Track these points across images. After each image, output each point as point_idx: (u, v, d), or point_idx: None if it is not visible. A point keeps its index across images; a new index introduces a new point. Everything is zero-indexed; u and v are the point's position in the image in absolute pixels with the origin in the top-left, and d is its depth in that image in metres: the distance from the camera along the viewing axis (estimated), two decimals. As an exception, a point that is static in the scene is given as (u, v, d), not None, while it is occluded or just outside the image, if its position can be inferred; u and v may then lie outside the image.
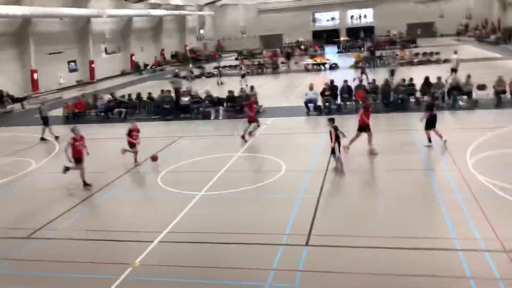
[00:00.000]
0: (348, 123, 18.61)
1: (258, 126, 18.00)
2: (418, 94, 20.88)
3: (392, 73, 26.98)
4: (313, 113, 21.05)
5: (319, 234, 9.22)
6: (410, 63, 35.52)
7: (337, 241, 8.84)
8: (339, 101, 21.54)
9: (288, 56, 43.46)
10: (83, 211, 11.61)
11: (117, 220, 11.01)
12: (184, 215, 10.67)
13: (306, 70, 38.10)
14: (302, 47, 55.38)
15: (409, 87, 21.07)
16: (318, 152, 14.89)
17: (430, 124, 14.42)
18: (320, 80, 27.97)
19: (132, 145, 14.76)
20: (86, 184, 12.95)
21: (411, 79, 21.82)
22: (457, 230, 8.82)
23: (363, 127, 14.22)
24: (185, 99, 23.17)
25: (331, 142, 12.61)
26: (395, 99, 20.46)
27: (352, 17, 67.08)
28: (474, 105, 19.60)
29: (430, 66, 33.08)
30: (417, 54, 37.60)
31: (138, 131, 14.89)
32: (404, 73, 27.47)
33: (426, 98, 19.00)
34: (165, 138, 18.45)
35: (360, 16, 66.72)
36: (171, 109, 22.75)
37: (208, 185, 12.48)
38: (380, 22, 63.14)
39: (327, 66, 38.15)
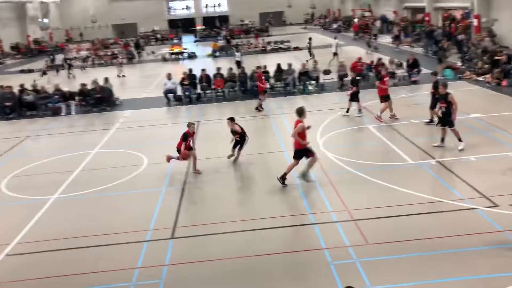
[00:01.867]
0: (208, 112, 18.90)
1: None
2: (272, 81, 21.91)
3: (238, 64, 27.61)
4: (174, 103, 20.78)
5: (184, 225, 9.15)
6: (264, 51, 37.08)
7: (202, 230, 8.86)
8: (199, 90, 21.57)
9: (138, 45, 41.79)
10: None
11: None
12: (36, 222, 9.72)
13: (164, 59, 37.40)
14: (158, 36, 54.19)
15: (264, 74, 21.95)
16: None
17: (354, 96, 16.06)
18: (178, 70, 27.77)
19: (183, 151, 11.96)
20: None
21: (264, 66, 22.78)
22: (312, 206, 9.48)
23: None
24: (27, 97, 20.82)
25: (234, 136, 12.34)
26: (251, 86, 21.17)
27: (206, 6, 67.49)
28: (321, 89, 21.25)
29: (283, 54, 34.92)
30: (269, 43, 39.35)
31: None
32: (259, 61, 28.62)
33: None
34: (8, 139, 16.57)
35: (214, 5, 67.43)
36: (14, 106, 20.45)
37: (62, 187, 11.53)
38: (234, 11, 64.66)
39: (185, 55, 37.94)
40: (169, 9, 67.35)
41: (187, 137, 11.79)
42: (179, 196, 10.53)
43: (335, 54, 28.06)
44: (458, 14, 34.56)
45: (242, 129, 12.40)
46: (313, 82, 21.35)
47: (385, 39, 37.21)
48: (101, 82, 21.70)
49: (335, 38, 30.36)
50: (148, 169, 12.53)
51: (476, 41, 25.63)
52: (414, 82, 20.89)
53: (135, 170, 12.46)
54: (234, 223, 9.02)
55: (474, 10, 29.85)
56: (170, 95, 21.03)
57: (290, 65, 21.84)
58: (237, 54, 30.69)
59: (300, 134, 10.20)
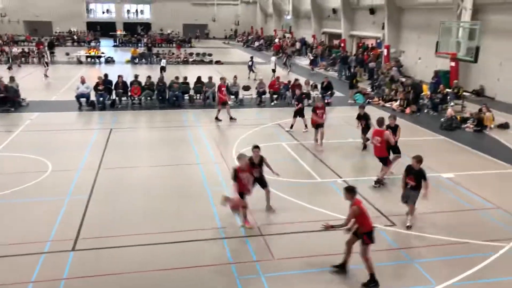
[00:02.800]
0: (122, 119, 18.31)
1: None
2: (192, 92, 21.81)
3: (162, 70, 27.67)
4: (86, 108, 19.87)
5: (87, 237, 8.70)
6: (186, 62, 36.85)
7: (106, 243, 8.49)
8: (114, 96, 20.84)
9: (51, 45, 39.47)
10: None
11: None
12: None
13: (79, 62, 35.75)
14: (75, 37, 51.80)
15: (183, 85, 21.82)
16: (90, 149, 14.11)
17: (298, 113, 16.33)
18: (94, 74, 26.67)
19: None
20: None
21: (185, 78, 22.66)
22: (222, 220, 9.47)
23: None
24: None
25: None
26: (170, 96, 20.89)
27: (128, 11, 65.88)
28: (240, 103, 21.52)
29: (204, 66, 34.95)
30: (191, 54, 39.22)
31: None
32: (180, 72, 28.37)
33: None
34: None
35: (137, 11, 66.02)
36: None
37: (-50, 192, 10.48)
38: (157, 19, 63.77)
39: (102, 59, 36.57)
40: (88, 10, 64.77)
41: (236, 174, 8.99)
42: (84, 207, 10.01)
43: (274, 70, 28.81)
44: (370, 43, 37.02)
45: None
46: (232, 96, 21.57)
47: (304, 61, 38.70)
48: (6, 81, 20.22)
49: (251, 57, 31.02)
50: (52, 176, 11.81)
51: (385, 70, 27.51)
52: (328, 104, 21.86)
53: (38, 176, 11.68)
54: (140, 237, 8.75)
55: (385, 40, 32.15)
56: (83, 99, 20.11)
57: (210, 78, 21.89)
58: (163, 60, 30.80)
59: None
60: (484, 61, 22.37)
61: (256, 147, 9.79)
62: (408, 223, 9.24)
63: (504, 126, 17.67)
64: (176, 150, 14.40)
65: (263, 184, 9.87)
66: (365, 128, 14.27)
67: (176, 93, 20.88)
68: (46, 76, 28.29)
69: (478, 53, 20.86)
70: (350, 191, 7.26)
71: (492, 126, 17.52)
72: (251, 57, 31.12)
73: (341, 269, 7.52)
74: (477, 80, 24.30)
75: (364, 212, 7.16)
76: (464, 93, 21.59)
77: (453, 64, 23.69)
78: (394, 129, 12.01)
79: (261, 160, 9.77)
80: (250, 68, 29.84)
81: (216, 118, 18.10)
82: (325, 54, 38.63)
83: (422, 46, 28.81)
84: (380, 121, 11.45)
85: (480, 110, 18.03)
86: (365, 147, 14.43)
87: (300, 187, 11.45)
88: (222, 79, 18.99)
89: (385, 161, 11.45)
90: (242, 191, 8.99)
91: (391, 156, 11.80)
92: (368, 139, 13.68)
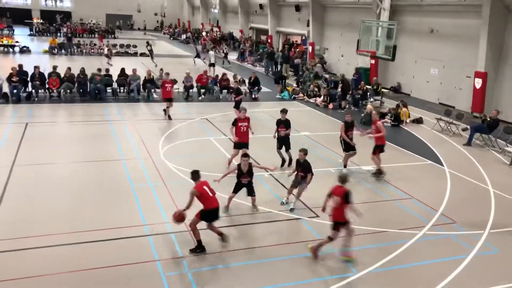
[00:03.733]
0: (39, 113, 17.25)
1: None
2: (115, 85, 21.04)
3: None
4: (-2, 101, 18.51)
5: (1, 239, 8.11)
6: (110, 54, 35.38)
7: (23, 244, 7.97)
8: (30, 88, 19.57)
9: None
10: None
11: None
12: None
13: (-11, 51, 33.17)
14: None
15: (106, 78, 20.99)
16: (3, 145, 13.18)
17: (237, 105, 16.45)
18: (7, 64, 24.90)
19: None
20: None
21: (107, 70, 21.84)
22: (147, 217, 9.26)
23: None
24: None
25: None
26: (92, 89, 20.02)
27: (46, -1, 62.12)
28: (166, 97, 21.10)
29: (128, 58, 33.86)
30: (115, 45, 37.79)
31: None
32: (102, 64, 27.24)
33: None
34: None
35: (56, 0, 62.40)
36: None
37: None
38: (78, 8, 60.74)
39: (16, 49, 34.20)
40: (0, -5, 60.18)
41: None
42: (-4, 206, 9.33)
43: (212, 64, 28.39)
44: (295, 40, 37.87)
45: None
46: (158, 90, 21.08)
47: (233, 56, 38.74)
48: None
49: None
50: (-42, 175, 10.87)
51: (310, 66, 28.29)
52: (255, 99, 22.11)
53: None
54: (59, 236, 8.31)
55: (310, 38, 33.04)
56: (-6, 91, 18.70)
57: (134, 70, 21.23)
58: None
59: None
60: (401, 59, 23.74)
61: (245, 155, 9.80)
62: (292, 206, 10.00)
63: (418, 121, 18.89)
64: (98, 146, 13.84)
65: (251, 192, 9.88)
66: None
67: (98, 86, 20.04)
68: None
69: (395, 52, 22.07)
70: (193, 174, 8.22)
71: (408, 121, 18.67)
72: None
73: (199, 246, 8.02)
74: (395, 77, 25.76)
75: (203, 193, 7.98)
76: (383, 90, 22.78)
77: (372, 61, 24.89)
78: (351, 124, 12.62)
79: (250, 168, 9.76)
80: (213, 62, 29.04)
81: (164, 111, 17.49)
82: (252, 50, 38.93)
83: (345, 43, 29.97)
84: (343, 178, 8.23)
85: (397, 106, 19.13)
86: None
87: (228, 179, 11.43)
88: (167, 74, 18.28)
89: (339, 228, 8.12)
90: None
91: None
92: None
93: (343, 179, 8.12)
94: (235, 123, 12.09)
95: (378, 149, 12.46)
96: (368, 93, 21.74)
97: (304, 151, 10.03)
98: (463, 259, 8.22)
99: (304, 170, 9.94)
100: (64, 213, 9.33)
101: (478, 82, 19.58)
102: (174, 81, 20.99)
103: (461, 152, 15.10)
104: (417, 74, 24.28)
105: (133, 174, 11.56)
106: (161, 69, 22.02)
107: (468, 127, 16.78)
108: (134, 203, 9.92)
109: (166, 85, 17.28)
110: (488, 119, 15.85)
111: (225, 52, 34.90)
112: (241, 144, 12.01)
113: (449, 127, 17.35)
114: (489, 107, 19.10)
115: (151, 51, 31.76)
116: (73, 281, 7.06)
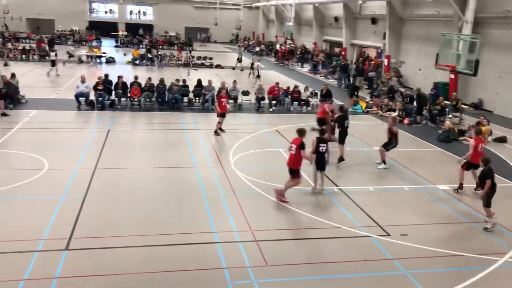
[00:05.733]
0: (121, 120, 18.29)
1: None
2: (191, 95, 21.83)
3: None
4: (85, 108, 19.87)
5: (81, 237, 8.67)
6: (187, 65, 36.85)
7: (100, 243, 8.47)
8: (113, 96, 20.85)
9: (51, 43, 39.30)
10: None
11: None
12: None
13: (80, 61, 35.72)
14: (76, 36, 51.80)
15: (183, 88, 21.85)
16: (88, 149, 14.10)
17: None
18: (94, 73, 26.70)
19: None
20: None
21: (184, 80, 22.71)
22: (217, 224, 9.47)
23: None
24: None
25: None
26: (169, 99, 20.91)
27: (131, 12, 65.96)
28: (239, 108, 21.55)
29: (204, 70, 35.00)
30: (193, 57, 39.25)
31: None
32: (180, 74, 28.41)
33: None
34: None
35: (139, 12, 66.09)
36: None
37: None
38: (160, 21, 63.86)
39: (103, 59, 36.60)
40: (91, 10, 64.82)
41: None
42: (79, 206, 9.99)
43: (258, 76, 28.91)
44: (371, 53, 37.15)
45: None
46: (231, 101, 21.59)
47: (305, 68, 38.81)
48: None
49: (258, 60, 31.27)
50: (48, 174, 11.79)
51: (385, 79, 27.60)
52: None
53: (33, 174, 11.67)
54: (133, 238, 8.73)
55: (386, 51, 32.28)
56: (82, 98, 20.13)
57: (210, 81, 21.92)
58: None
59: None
60: (483, 74, 22.49)
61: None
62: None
63: (501, 139, 17.73)
64: (173, 153, 14.39)
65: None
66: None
67: (176, 96, 20.89)
68: (50, 74, 28.11)
69: (477, 66, 20.95)
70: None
71: (490, 139, 17.56)
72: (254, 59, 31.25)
73: None
74: (476, 93, 24.41)
75: None
76: (463, 106, 21.67)
77: (452, 76, 23.78)
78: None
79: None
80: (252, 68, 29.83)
81: (215, 132, 16.61)
82: (325, 62, 38.75)
83: (422, 57, 28.94)
84: (300, 131, 10.79)
85: (478, 122, 18.07)
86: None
87: (297, 193, 11.42)
88: (222, 89, 17.77)
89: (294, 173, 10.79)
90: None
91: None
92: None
93: (300, 132, 10.61)
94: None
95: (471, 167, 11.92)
96: (447, 109, 20.78)
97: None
98: (550, 292, 7.57)
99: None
100: (138, 215, 9.78)
101: None
102: (246, 93, 21.46)
103: (550, 175, 13.95)
104: (502, 90, 22.83)
105: (204, 182, 11.89)
106: (234, 81, 22.54)
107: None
108: (205, 210, 10.18)
109: (223, 99, 16.54)
110: None
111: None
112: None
113: (536, 148, 16.11)
114: None
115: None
116: (144, 282, 7.36)
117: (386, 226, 9.72)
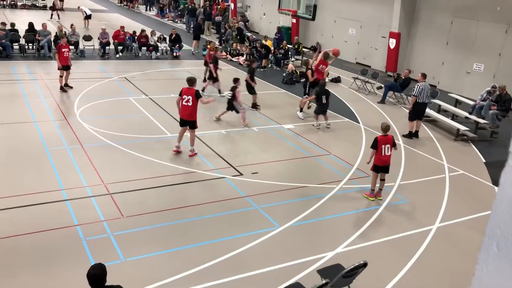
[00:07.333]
0: None
1: None
2: (22, 41, 19.41)
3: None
4: None
5: None
6: (14, 6, 32.44)
7: None
8: None
9: None
10: None
11: None
12: None
13: None
14: None
15: (12, 33, 19.28)
16: None
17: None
18: None
19: None
20: None
21: (12, 24, 20.04)
22: (65, 181, 8.87)
23: None
24: None
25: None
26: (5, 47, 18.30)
27: None
28: (81, 55, 19.90)
29: (37, 12, 31.25)
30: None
31: None
32: (6, 18, 24.95)
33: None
34: None
35: None
36: None
37: None
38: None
39: None
40: None
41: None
42: None
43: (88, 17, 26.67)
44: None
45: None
46: (71, 47, 19.76)
47: (152, 12, 37.13)
48: None
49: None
50: None
51: (232, 24, 27.88)
52: (176, 57, 21.51)
53: None
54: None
55: (232, -6, 32.42)
56: None
57: (44, 25, 19.65)
58: None
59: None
60: (321, 19, 24.14)
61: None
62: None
63: (336, 80, 19.54)
64: (6, 107, 12.84)
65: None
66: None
67: (3, 42, 18.37)
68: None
69: (316, 11, 22.34)
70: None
71: (327, 80, 19.20)
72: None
73: None
74: (315, 37, 26.23)
75: None
76: (304, 49, 23.15)
77: (294, 20, 25.07)
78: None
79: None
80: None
81: (61, 88, 14.65)
82: (173, 5, 37.53)
83: (267, 2, 29.81)
84: (190, 80, 10.42)
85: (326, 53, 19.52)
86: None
87: (149, 141, 11.22)
88: (62, 38, 15.39)
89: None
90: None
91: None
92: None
93: (191, 80, 10.31)
94: None
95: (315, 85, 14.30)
96: (290, 53, 22.00)
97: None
98: (376, 210, 8.84)
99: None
100: (-30, 180, 8.66)
101: (392, 42, 20.54)
102: (88, 38, 19.90)
103: (375, 109, 15.94)
104: (336, 34, 24.89)
105: (47, 137, 10.92)
106: (72, 24, 20.61)
107: (382, 85, 17.67)
108: (50, 167, 9.43)
109: (63, 49, 14.53)
110: (402, 78, 16.77)
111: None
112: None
113: (365, 86, 18.15)
114: (401, 66, 20.19)
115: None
116: (-15, 251, 6.66)
117: (238, 166, 10.18)
